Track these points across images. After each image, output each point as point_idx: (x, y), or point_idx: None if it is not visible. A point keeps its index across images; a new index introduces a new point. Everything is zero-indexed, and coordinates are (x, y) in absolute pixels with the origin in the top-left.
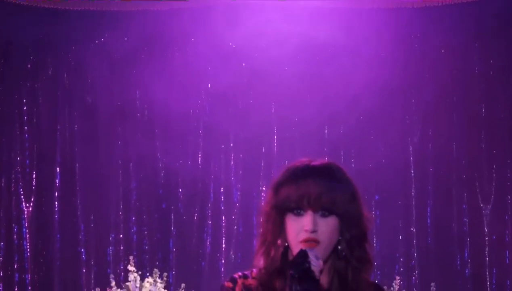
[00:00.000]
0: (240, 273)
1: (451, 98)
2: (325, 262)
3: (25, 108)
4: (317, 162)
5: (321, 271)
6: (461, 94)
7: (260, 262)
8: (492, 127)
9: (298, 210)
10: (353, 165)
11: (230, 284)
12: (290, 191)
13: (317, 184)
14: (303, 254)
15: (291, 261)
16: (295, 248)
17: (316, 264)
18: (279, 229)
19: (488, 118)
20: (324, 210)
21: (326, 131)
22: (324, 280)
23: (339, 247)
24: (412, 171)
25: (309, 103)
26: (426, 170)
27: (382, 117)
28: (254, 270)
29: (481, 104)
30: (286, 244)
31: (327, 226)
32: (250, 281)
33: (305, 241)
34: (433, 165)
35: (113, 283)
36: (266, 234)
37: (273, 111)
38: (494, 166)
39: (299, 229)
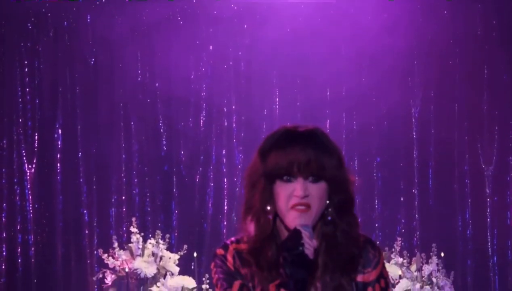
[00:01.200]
0: (233, 238)
1: (453, 60)
2: (314, 228)
3: (26, 69)
4: (303, 128)
5: (315, 250)
6: (463, 55)
7: (251, 228)
8: (494, 89)
9: (288, 177)
10: (355, 127)
11: (222, 251)
12: (280, 158)
13: (307, 150)
14: (296, 234)
15: (284, 242)
16: (286, 215)
17: (309, 245)
18: (268, 196)
19: (490, 80)
20: (314, 175)
21: (328, 93)
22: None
23: (327, 212)
24: (414, 133)
25: (311, 64)
26: (428, 132)
27: (384, 80)
28: (244, 236)
29: (483, 65)
30: (275, 211)
31: (317, 191)
32: (242, 246)
33: (296, 205)
34: (435, 127)
35: (115, 245)
36: (253, 201)
37: (274, 73)
38: (496, 127)
39: (289, 195)
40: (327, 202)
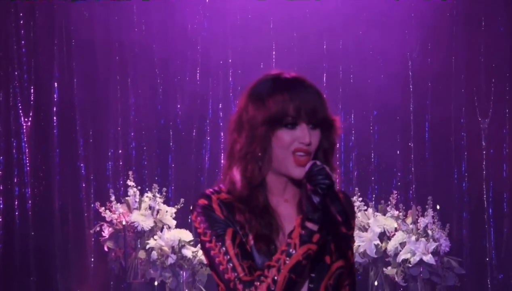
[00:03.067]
0: (211, 189)
1: (451, 12)
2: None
3: (21, 22)
4: (293, 74)
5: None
6: (460, 8)
7: (236, 177)
8: (491, 41)
9: (292, 123)
10: (351, 80)
11: (205, 201)
12: (285, 104)
13: (310, 95)
14: (323, 168)
15: (309, 174)
16: (283, 161)
17: (335, 179)
18: (267, 143)
19: (487, 32)
20: (316, 121)
21: (324, 46)
22: (296, 190)
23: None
24: (410, 86)
25: (307, 17)
26: (425, 85)
27: (381, 32)
28: (221, 185)
29: (481, 18)
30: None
31: (316, 138)
32: (224, 195)
33: (298, 151)
34: (432, 80)
35: (112, 198)
36: (247, 150)
37: (271, 26)
38: (493, 80)
39: (292, 141)
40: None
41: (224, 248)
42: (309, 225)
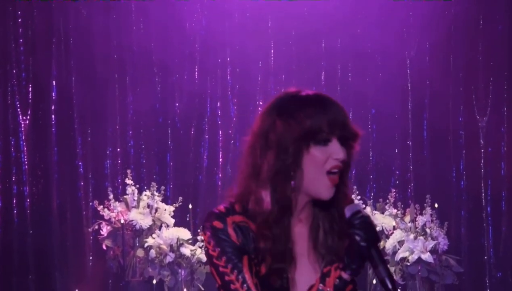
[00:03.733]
0: (222, 209)
1: (449, 10)
2: None
3: (20, 20)
4: (312, 91)
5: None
6: (459, 7)
7: (265, 198)
8: (489, 39)
9: (326, 139)
10: (350, 79)
11: (220, 224)
12: (318, 119)
13: (341, 111)
14: (366, 218)
15: (353, 222)
16: (317, 180)
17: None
18: (300, 162)
19: (485, 30)
20: (346, 137)
21: (323, 45)
22: (310, 213)
23: None
24: (409, 84)
25: (306, 16)
26: (423, 83)
27: (380, 31)
28: (233, 201)
29: (479, 16)
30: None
31: (348, 156)
32: (239, 217)
33: (334, 169)
34: (429, 78)
35: (111, 196)
36: (278, 168)
37: (269, 25)
38: (491, 78)
39: (326, 158)
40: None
41: (241, 277)
42: (345, 276)
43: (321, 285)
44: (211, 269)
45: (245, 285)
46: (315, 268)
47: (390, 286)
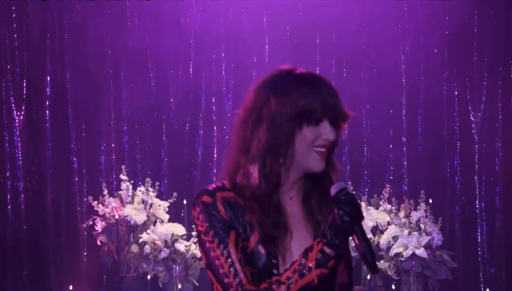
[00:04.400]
0: (214, 186)
1: (444, 6)
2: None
3: (14, 15)
4: (306, 70)
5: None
6: (453, 2)
7: (253, 173)
8: (484, 35)
9: (318, 120)
10: (344, 74)
11: (209, 199)
12: (312, 99)
13: (332, 92)
14: (351, 196)
15: (338, 198)
16: (306, 155)
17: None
18: (293, 139)
19: (480, 26)
20: (337, 118)
21: (318, 40)
22: (301, 189)
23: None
24: (403, 80)
25: (300, 12)
26: (417, 79)
27: (374, 27)
28: (225, 182)
29: (474, 11)
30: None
31: (338, 136)
32: (228, 193)
33: (321, 147)
34: (424, 74)
35: (105, 192)
36: (269, 145)
37: (264, 20)
38: (485, 74)
39: (315, 138)
40: None
41: (226, 252)
42: (328, 250)
43: (303, 259)
44: (199, 248)
45: (229, 260)
46: (302, 238)
47: (370, 259)
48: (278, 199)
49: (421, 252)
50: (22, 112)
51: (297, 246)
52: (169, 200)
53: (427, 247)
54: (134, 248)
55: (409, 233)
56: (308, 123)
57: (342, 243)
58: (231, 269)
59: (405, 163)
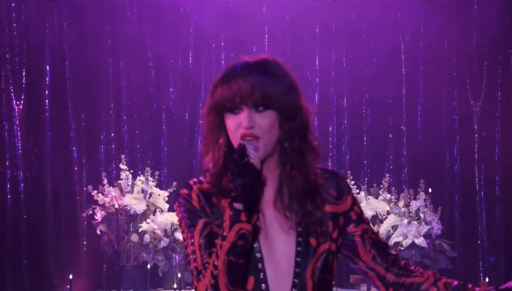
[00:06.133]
0: (195, 179)
1: None
2: (271, 157)
3: (13, 4)
4: (251, 58)
5: (262, 162)
6: None
7: (209, 165)
8: (483, 24)
9: (234, 109)
10: (344, 64)
11: (185, 191)
12: (224, 90)
13: (248, 79)
14: (241, 148)
15: (229, 157)
16: (236, 145)
17: (254, 155)
18: (219, 130)
19: (480, 15)
20: (258, 105)
21: (317, 30)
22: (273, 175)
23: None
24: (403, 69)
25: (300, 1)
26: (417, 68)
27: (374, 15)
28: (206, 175)
29: (473, 1)
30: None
31: (264, 120)
32: (205, 185)
33: (243, 136)
34: (424, 63)
35: (105, 181)
36: (207, 136)
37: (264, 9)
38: (485, 63)
39: (237, 126)
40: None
41: (192, 239)
42: (235, 204)
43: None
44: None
45: (192, 247)
46: (289, 230)
47: (233, 193)
48: (227, 183)
49: (420, 241)
50: (22, 102)
51: (274, 232)
52: (168, 189)
53: (427, 236)
54: (134, 237)
55: (409, 222)
56: (228, 112)
57: (242, 193)
58: (193, 255)
59: (405, 152)
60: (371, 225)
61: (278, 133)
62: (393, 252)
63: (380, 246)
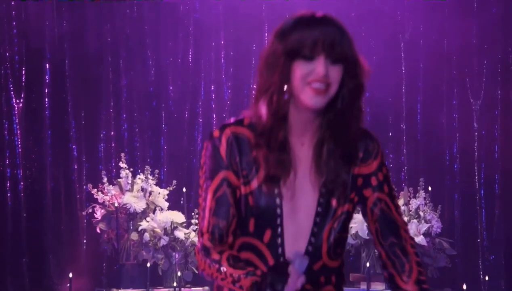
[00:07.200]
0: (232, 120)
1: None
2: (318, 115)
3: (13, 3)
4: (321, 12)
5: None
6: None
7: (263, 110)
8: (483, 23)
9: (310, 55)
10: None
11: (217, 133)
12: (303, 36)
13: (330, 30)
14: (284, 268)
15: (270, 271)
16: (301, 91)
17: (294, 285)
18: (287, 75)
19: (480, 13)
20: (335, 56)
21: None
22: (315, 133)
23: (339, 97)
24: (402, 68)
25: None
26: (417, 67)
27: (373, 14)
28: (246, 117)
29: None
30: (290, 91)
31: (336, 73)
32: (242, 129)
33: (315, 82)
34: (424, 61)
35: (105, 180)
36: (271, 82)
37: (263, 7)
38: (485, 62)
39: (309, 73)
40: (340, 88)
41: (206, 194)
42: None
43: (243, 276)
44: None
45: (204, 203)
46: (314, 190)
47: None
48: (285, 137)
49: (420, 239)
50: (22, 100)
51: (300, 191)
52: (168, 188)
53: (426, 234)
54: (134, 236)
55: (408, 221)
56: (301, 58)
57: None
58: (203, 213)
59: (404, 150)
60: (394, 198)
61: (337, 90)
62: (402, 234)
63: (387, 222)
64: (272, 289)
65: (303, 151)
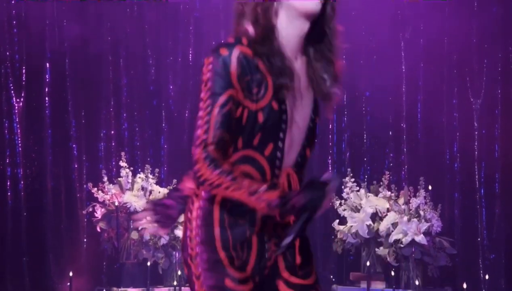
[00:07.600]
0: (232, 40)
1: None
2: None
3: (13, 2)
4: None
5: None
6: None
7: (249, 28)
8: (483, 21)
9: None
10: (344, 61)
11: (225, 51)
12: None
13: None
14: (322, 184)
15: (307, 185)
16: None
17: (329, 199)
18: None
19: (480, 12)
20: None
21: None
22: (303, 52)
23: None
24: (403, 67)
25: None
26: (417, 65)
27: (373, 13)
28: (242, 38)
29: None
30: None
31: None
32: (246, 49)
33: None
34: (424, 60)
35: (105, 179)
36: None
37: None
38: (485, 61)
39: None
40: None
41: (210, 108)
42: (275, 213)
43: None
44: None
45: (208, 116)
46: (308, 105)
47: (288, 240)
48: (279, 47)
49: (420, 238)
50: (22, 99)
51: (299, 105)
52: (168, 187)
53: (427, 233)
54: (134, 235)
55: (409, 220)
56: None
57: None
58: (206, 126)
59: (405, 149)
60: None
61: None
62: None
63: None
64: (312, 206)
65: (297, 65)
